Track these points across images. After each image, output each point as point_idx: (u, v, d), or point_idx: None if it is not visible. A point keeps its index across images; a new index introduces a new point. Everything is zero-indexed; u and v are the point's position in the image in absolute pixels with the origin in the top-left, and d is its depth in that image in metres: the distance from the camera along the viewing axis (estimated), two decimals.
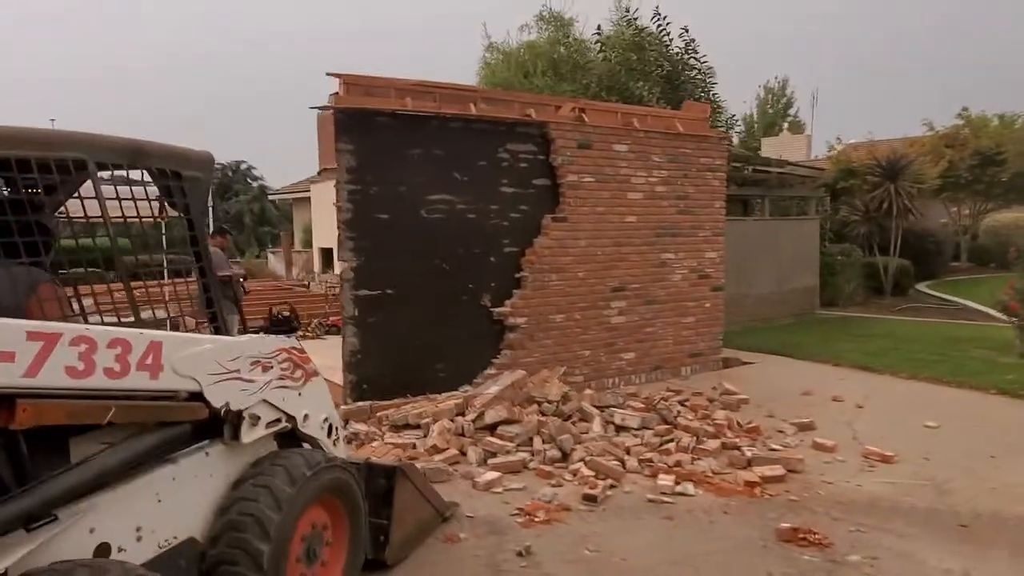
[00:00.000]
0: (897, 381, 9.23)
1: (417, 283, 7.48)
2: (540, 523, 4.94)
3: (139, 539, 2.96)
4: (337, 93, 7.05)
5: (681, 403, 7.61)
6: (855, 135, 32.41)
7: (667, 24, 14.73)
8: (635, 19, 15.18)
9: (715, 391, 8.22)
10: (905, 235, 17.93)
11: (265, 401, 3.52)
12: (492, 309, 7.91)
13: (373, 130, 7.15)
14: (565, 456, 6.04)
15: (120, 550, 2.88)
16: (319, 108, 7.04)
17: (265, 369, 3.55)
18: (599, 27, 15.42)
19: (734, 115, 29.17)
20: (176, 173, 3.36)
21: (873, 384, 9.03)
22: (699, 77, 14.60)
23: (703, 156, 9.55)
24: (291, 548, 3.33)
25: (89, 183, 3.01)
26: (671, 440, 6.38)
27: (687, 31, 14.79)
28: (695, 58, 15.07)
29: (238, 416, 3.36)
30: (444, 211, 7.62)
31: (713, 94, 15.54)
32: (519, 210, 8.14)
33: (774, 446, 6.49)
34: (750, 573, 4.26)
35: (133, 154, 3.16)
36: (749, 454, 6.04)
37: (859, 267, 17.44)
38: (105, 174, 3.05)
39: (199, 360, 3.18)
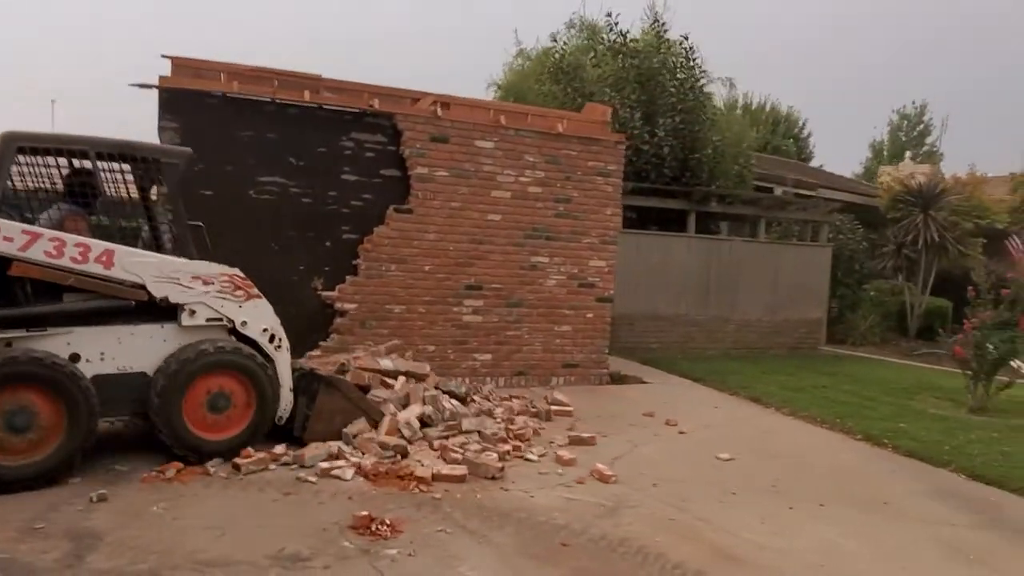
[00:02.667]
0: (769, 416, 8.43)
1: (244, 261, 7.71)
2: (161, 480, 5.10)
3: (102, 359, 5.21)
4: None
5: (504, 405, 7.41)
6: (994, 167, 29.41)
7: (664, 30, 14.20)
8: (664, 28, 14.59)
9: (545, 401, 7.88)
10: (948, 274, 16.08)
11: (203, 303, 5.52)
12: (321, 293, 8.07)
13: (200, 110, 7.55)
14: None
15: (87, 360, 5.15)
16: (139, 86, 7.54)
17: (205, 283, 5.54)
18: (622, 33, 14.90)
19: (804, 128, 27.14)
20: (156, 160, 5.65)
21: (737, 415, 8.31)
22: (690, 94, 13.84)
23: (592, 160, 9.22)
24: (189, 394, 5.36)
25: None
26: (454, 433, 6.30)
27: (687, 39, 14.17)
28: (696, 69, 14.39)
29: (178, 307, 5.41)
30: (276, 193, 7.88)
31: (714, 111, 14.78)
32: (362, 198, 8.26)
33: (529, 455, 6.20)
34: (274, 543, 4.19)
35: (123, 148, 5.54)
36: (469, 456, 5.79)
37: (883, 304, 15.87)
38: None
39: (144, 266, 5.32)
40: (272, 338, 5.87)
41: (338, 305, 8.15)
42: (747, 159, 15.66)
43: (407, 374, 7.02)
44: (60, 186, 5.65)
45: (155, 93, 7.38)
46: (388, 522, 4.54)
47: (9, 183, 5.19)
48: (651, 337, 13.10)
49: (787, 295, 14.36)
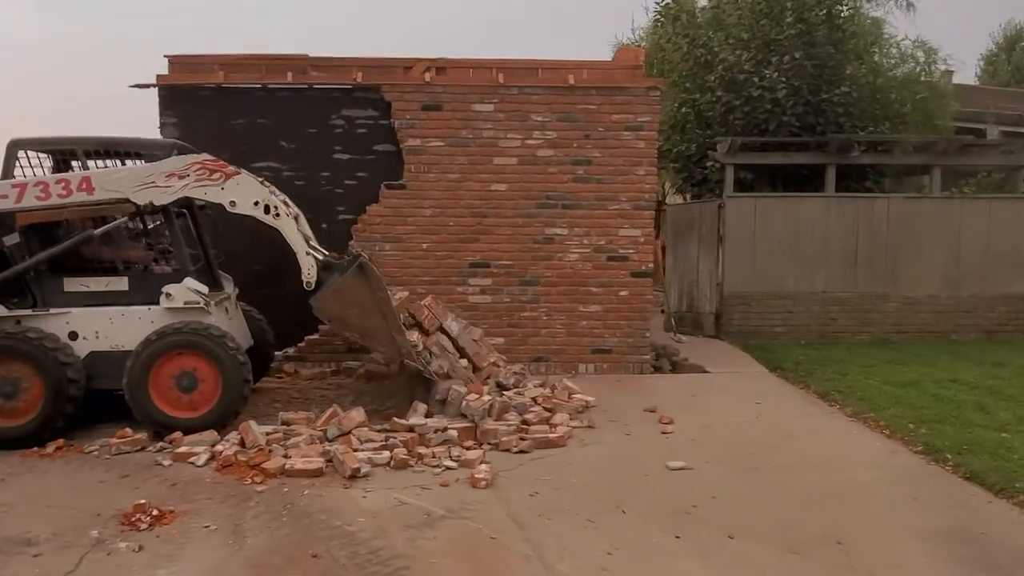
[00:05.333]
0: (820, 417, 6.60)
1: (243, 246, 7.94)
2: (38, 455, 5.35)
3: (97, 337, 5.76)
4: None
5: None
6: None
7: None
8: None
9: (552, 389, 6.91)
10: None
11: (187, 197, 5.92)
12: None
13: (196, 103, 7.86)
14: None
15: (84, 338, 5.74)
16: (139, 86, 7.98)
17: (181, 177, 5.79)
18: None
19: None
20: (138, 154, 6.15)
21: (775, 414, 6.61)
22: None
23: (617, 112, 7.94)
24: (155, 372, 5.58)
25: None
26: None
27: None
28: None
29: (163, 208, 5.86)
30: (269, 178, 7.77)
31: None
32: (356, 177, 8.01)
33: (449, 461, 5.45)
34: (32, 525, 4.13)
35: (107, 145, 6.07)
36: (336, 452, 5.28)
37: None
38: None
39: (119, 181, 5.75)
40: (267, 209, 5.89)
41: None
42: (939, 95, 12.59)
43: (462, 351, 6.71)
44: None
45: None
46: (157, 513, 4.25)
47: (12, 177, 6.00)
48: (775, 319, 11.10)
49: (977, 265, 11.26)
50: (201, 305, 5.87)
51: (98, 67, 59.93)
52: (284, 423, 5.81)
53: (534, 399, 6.45)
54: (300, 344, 8.06)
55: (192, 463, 5.14)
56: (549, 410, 6.35)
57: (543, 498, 4.64)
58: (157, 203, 5.80)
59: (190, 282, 5.88)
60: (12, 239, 5.79)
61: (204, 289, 5.95)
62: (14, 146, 6.05)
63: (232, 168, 5.98)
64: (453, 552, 3.89)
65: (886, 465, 5.26)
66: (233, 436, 5.47)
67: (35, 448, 5.41)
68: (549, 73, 8.00)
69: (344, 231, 8.00)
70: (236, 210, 5.93)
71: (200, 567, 3.72)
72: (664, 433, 6.01)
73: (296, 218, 6.20)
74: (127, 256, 6.22)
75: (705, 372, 8.44)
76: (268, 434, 5.52)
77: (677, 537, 4.09)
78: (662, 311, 11.85)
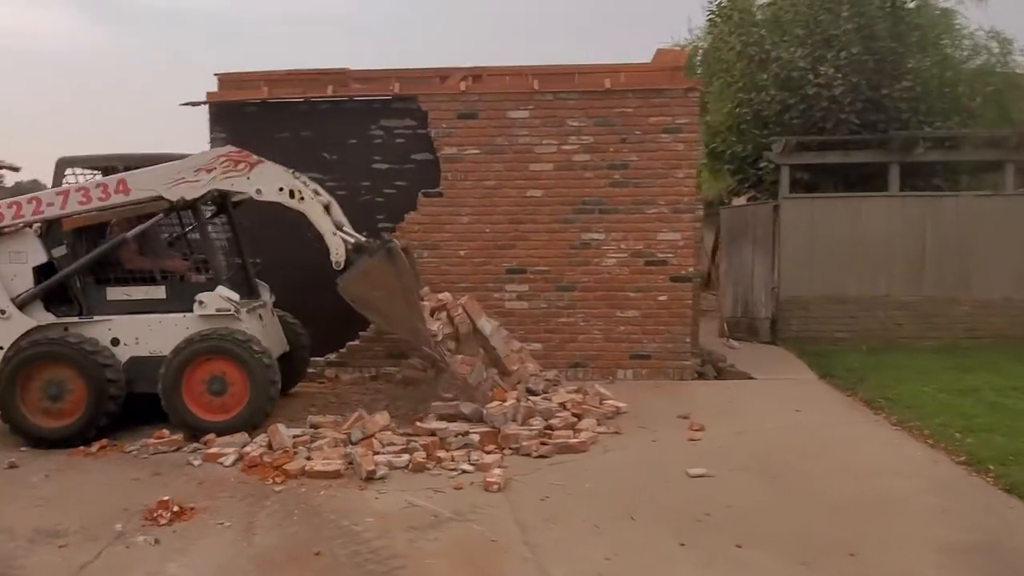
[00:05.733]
0: (862, 425, 6.29)
1: (288, 254, 8.19)
2: (83, 454, 5.66)
3: (136, 343, 6.08)
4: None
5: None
6: None
7: None
8: None
9: (584, 394, 6.84)
10: None
11: (216, 189, 6.11)
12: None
13: (243, 118, 8.20)
14: None
15: (125, 344, 6.08)
16: (190, 104, 8.36)
17: (208, 171, 6.04)
18: None
19: None
20: (140, 166, 6.24)
21: (815, 421, 6.35)
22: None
23: (655, 115, 7.82)
24: (188, 376, 5.85)
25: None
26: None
27: None
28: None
29: (193, 203, 6.13)
30: None
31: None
32: (394, 186, 8.16)
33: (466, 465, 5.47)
34: (63, 518, 4.37)
35: (145, 160, 6.25)
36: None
37: None
38: None
39: (152, 179, 6.01)
40: (292, 194, 6.10)
41: None
42: (1013, 87, 11.86)
43: (490, 352, 6.71)
44: None
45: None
46: (178, 509, 4.43)
47: None
48: (835, 325, 10.65)
49: None
50: (231, 312, 6.10)
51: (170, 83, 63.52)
52: (312, 426, 5.96)
53: (562, 404, 6.39)
54: (342, 350, 8.24)
55: (221, 463, 5.34)
56: (577, 415, 6.29)
57: (553, 503, 4.59)
58: (188, 198, 6.05)
59: (222, 290, 6.12)
60: (60, 251, 6.17)
61: (235, 297, 6.18)
62: (62, 164, 6.38)
63: (256, 158, 6.18)
64: (451, 553, 3.91)
65: (923, 475, 4.96)
66: (262, 438, 5.65)
67: (81, 447, 5.74)
68: (586, 78, 7.96)
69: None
70: (262, 198, 6.16)
71: (208, 562, 3.87)
72: (692, 440, 5.85)
73: (328, 206, 6.40)
74: (165, 266, 6.50)
75: (750, 378, 8.19)
76: (296, 437, 5.68)
77: (682, 544, 3.97)
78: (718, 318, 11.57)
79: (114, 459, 5.57)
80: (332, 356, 8.27)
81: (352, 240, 6.23)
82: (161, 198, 6.05)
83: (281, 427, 5.69)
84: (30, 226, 6.20)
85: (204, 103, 8.19)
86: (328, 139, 8.17)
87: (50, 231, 6.22)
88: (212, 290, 6.13)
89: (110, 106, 58.88)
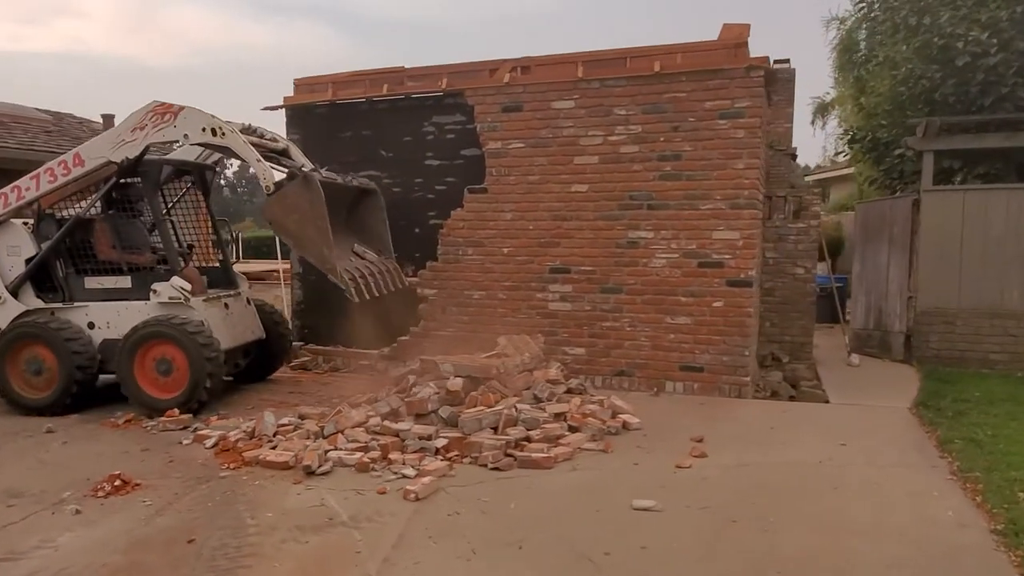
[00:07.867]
0: (908, 469, 5.11)
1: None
2: (112, 425, 6.26)
3: (108, 327, 6.88)
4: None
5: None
6: None
7: None
8: None
9: (601, 406, 6.36)
10: None
11: (151, 144, 6.66)
12: (409, 279, 8.23)
13: (313, 120, 8.63)
14: None
15: (99, 328, 6.91)
16: (269, 108, 8.84)
17: (141, 128, 6.60)
18: None
19: None
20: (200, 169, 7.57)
21: (856, 459, 5.30)
22: None
23: (711, 99, 7.00)
24: (138, 358, 6.51)
25: None
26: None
27: None
28: None
29: (136, 160, 6.63)
30: None
31: None
32: (445, 182, 8.12)
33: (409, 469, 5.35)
34: (38, 482, 4.88)
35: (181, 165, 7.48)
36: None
37: None
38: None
39: (98, 147, 6.77)
40: (214, 132, 6.44)
41: (420, 291, 8.20)
42: None
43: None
44: None
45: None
46: (119, 483, 4.75)
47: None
48: (990, 343, 8.90)
49: None
50: (181, 300, 6.70)
51: None
52: (300, 416, 6.11)
53: (559, 415, 5.95)
54: (394, 345, 8.35)
55: (204, 445, 5.66)
56: (573, 428, 5.82)
57: (457, 520, 4.27)
58: (131, 156, 6.58)
59: (175, 280, 6.77)
60: (47, 245, 6.99)
61: (188, 286, 6.77)
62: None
63: (178, 105, 6.51)
64: (306, 559, 3.78)
65: (930, 541, 3.90)
66: (248, 424, 5.90)
67: (110, 419, 6.40)
68: (638, 62, 7.33)
69: (434, 235, 8.17)
70: (191, 142, 6.60)
71: (96, 536, 4.08)
72: (680, 467, 5.14)
73: (286, 150, 7.07)
74: (130, 259, 7.06)
75: (824, 402, 7.05)
76: (282, 425, 5.86)
77: None
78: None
79: (130, 433, 6.13)
80: (386, 350, 8.44)
81: (285, 171, 6.58)
82: (109, 162, 6.67)
83: (267, 415, 5.90)
84: (20, 213, 7.06)
85: (280, 107, 8.74)
86: (385, 137, 8.34)
87: (40, 226, 7.06)
88: (167, 280, 6.80)
89: None
